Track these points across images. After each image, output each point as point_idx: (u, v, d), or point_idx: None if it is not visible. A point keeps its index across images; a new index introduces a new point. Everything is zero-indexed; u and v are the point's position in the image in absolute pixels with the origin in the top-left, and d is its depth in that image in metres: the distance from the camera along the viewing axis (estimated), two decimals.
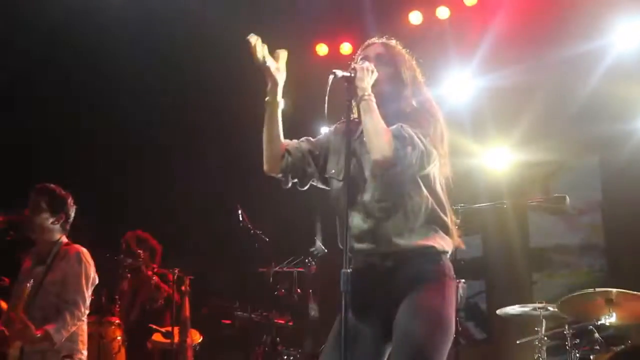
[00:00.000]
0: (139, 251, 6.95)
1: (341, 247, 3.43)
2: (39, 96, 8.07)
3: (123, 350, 6.47)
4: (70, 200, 5.43)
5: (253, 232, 7.09)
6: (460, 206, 5.78)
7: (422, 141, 3.37)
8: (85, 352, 5.29)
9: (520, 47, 7.70)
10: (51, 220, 5.31)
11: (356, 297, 3.16)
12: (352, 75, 3.46)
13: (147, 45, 7.88)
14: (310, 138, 3.80)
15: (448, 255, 3.50)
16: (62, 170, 7.24)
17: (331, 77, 3.40)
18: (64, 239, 5.39)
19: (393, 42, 3.80)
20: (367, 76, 3.47)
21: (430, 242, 3.42)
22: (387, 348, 3.43)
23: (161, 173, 8.50)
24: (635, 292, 5.48)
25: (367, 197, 3.47)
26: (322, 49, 8.64)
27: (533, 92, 7.79)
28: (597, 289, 5.61)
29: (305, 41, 8.47)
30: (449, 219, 3.53)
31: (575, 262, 8.42)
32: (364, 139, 3.44)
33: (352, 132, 3.49)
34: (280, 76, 3.54)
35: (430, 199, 3.46)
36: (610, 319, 5.55)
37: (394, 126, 3.39)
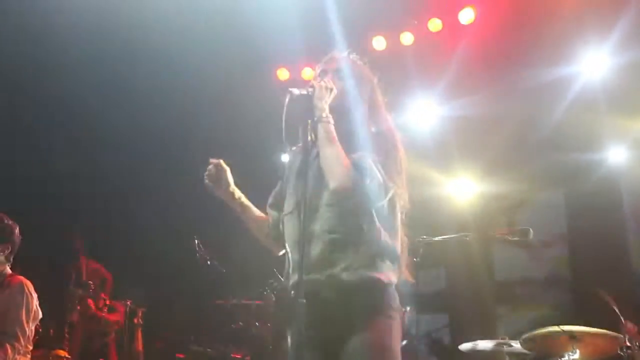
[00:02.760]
0: (89, 282, 6.80)
1: (282, 278, 3.40)
2: None
3: None
4: (17, 231, 5.24)
5: (210, 263, 6.94)
6: (423, 238, 5.64)
7: (380, 173, 3.25)
8: None
9: (485, 76, 7.64)
10: None
11: (305, 328, 3.04)
12: (310, 93, 3.29)
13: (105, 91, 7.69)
14: (272, 199, 3.73)
15: (393, 287, 3.38)
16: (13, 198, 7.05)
17: (288, 96, 3.23)
18: (8, 270, 5.21)
19: (356, 57, 3.67)
20: (326, 95, 3.31)
21: (377, 275, 3.29)
22: None
23: (115, 203, 8.30)
24: (598, 330, 5.41)
25: (317, 226, 3.31)
26: (283, 74, 8.49)
27: (498, 122, 7.72)
28: (561, 327, 5.51)
29: (266, 66, 8.34)
30: (400, 249, 3.42)
31: (540, 295, 8.35)
32: (321, 164, 3.28)
33: (308, 153, 3.31)
34: (226, 182, 3.63)
35: (382, 231, 3.34)
36: (573, 355, 5.46)
37: (355, 155, 3.27)
